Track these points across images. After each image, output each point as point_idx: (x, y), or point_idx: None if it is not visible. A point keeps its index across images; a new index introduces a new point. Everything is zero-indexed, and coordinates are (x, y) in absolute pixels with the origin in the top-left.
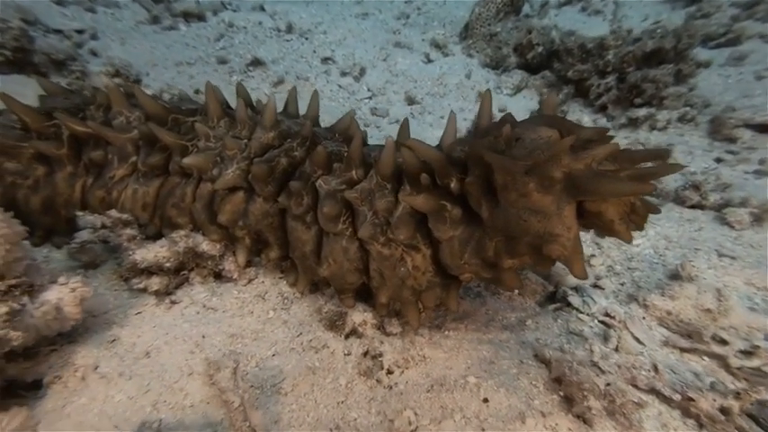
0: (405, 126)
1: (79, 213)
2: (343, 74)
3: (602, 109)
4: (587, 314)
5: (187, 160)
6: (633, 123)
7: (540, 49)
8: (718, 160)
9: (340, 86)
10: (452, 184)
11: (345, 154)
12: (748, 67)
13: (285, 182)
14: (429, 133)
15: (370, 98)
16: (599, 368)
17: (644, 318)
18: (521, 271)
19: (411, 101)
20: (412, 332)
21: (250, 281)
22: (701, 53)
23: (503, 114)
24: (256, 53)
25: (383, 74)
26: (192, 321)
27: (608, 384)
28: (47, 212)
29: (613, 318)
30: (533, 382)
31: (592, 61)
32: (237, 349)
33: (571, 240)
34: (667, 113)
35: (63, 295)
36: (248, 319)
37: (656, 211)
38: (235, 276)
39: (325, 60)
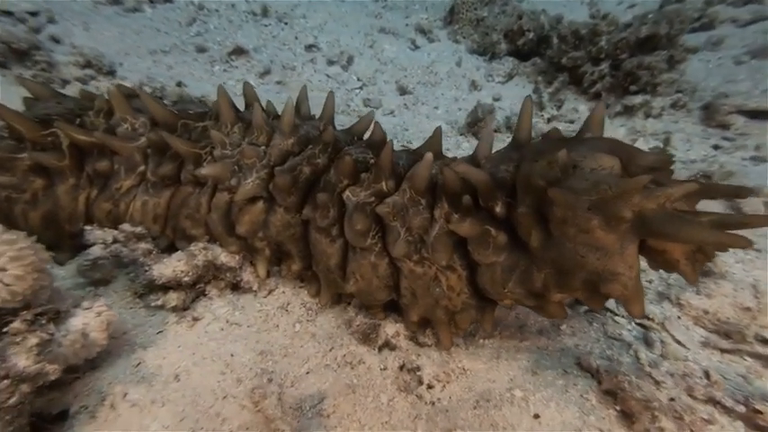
0: (437, 136)
1: (87, 228)
2: (330, 62)
3: (597, 96)
4: (622, 316)
5: (205, 171)
6: (629, 111)
7: (530, 35)
8: (716, 147)
9: (328, 76)
10: (497, 209)
11: (371, 161)
12: (726, 51)
13: (308, 191)
14: (426, 125)
15: (361, 88)
16: (653, 378)
17: (679, 317)
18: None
19: (403, 90)
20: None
21: (270, 291)
22: (687, 39)
23: (549, 130)
24: (236, 40)
25: (371, 62)
26: (217, 339)
27: (672, 399)
28: (48, 228)
29: (651, 319)
30: (584, 395)
31: (585, 48)
32: (269, 367)
33: (632, 280)
34: (662, 100)
35: (88, 320)
36: (274, 333)
37: (747, 245)
38: (254, 288)
39: (310, 48)
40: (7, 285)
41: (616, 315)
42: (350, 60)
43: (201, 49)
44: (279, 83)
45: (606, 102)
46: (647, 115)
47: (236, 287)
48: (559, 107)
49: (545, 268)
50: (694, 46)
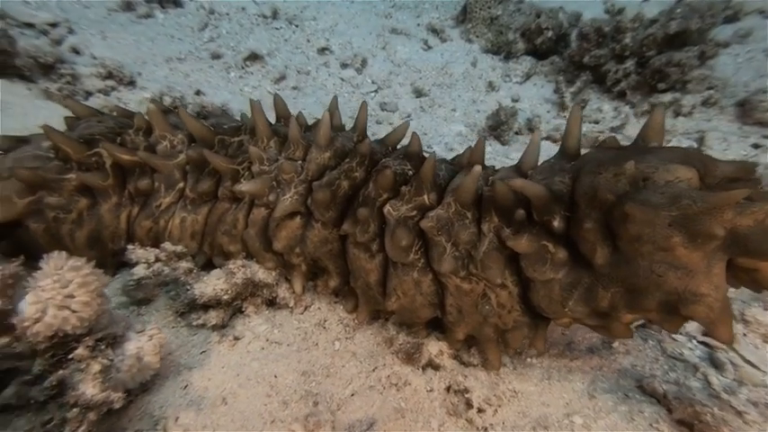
0: (480, 146)
1: (129, 247)
2: (344, 65)
3: (621, 95)
4: (681, 333)
5: (245, 187)
6: None
7: (549, 33)
8: (756, 146)
9: (343, 79)
10: (555, 223)
11: (410, 173)
12: (755, 44)
13: (346, 206)
14: (444, 128)
15: (376, 91)
16: (733, 408)
17: (744, 335)
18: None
19: (419, 93)
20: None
21: (306, 308)
22: (716, 33)
23: (606, 137)
24: (249, 45)
25: (385, 64)
26: (259, 359)
27: None
28: (93, 247)
29: None
30: (653, 425)
31: (608, 45)
32: (312, 389)
33: (719, 301)
34: (692, 98)
35: (142, 344)
36: (315, 352)
37: None
38: (290, 304)
39: (322, 51)
40: (75, 312)
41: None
42: (364, 63)
43: (216, 56)
44: (295, 88)
45: (631, 100)
46: (677, 114)
47: (271, 303)
48: (583, 107)
49: (612, 287)
50: (725, 40)
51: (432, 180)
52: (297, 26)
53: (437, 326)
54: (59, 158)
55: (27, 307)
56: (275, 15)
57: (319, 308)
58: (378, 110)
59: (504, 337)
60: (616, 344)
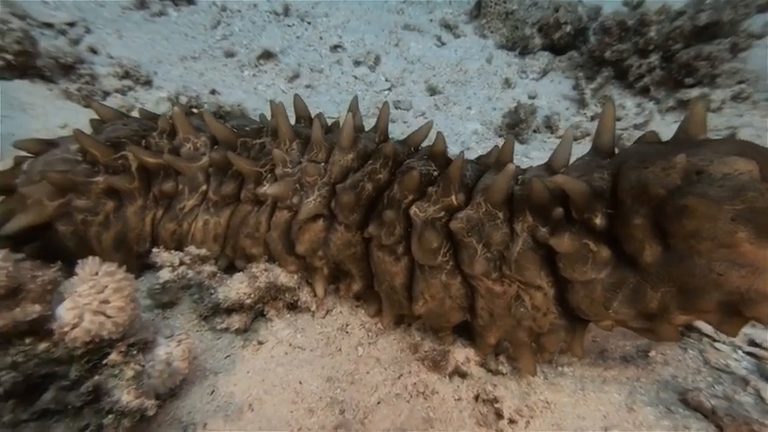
0: (509, 145)
1: (154, 250)
2: (357, 63)
3: (644, 91)
4: (724, 342)
5: (269, 191)
6: (683, 106)
7: (568, 27)
8: None
9: (356, 77)
10: (597, 220)
11: (435, 173)
12: None
13: (369, 208)
14: (459, 126)
15: (390, 89)
16: None
17: None
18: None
19: (433, 91)
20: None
21: (328, 312)
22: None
23: (646, 132)
24: (261, 42)
25: (398, 61)
26: (283, 364)
27: None
28: (119, 249)
29: (765, 348)
30: None
31: (630, 39)
32: (338, 396)
33: None
34: (721, 93)
35: (171, 349)
36: (338, 358)
37: None
38: (312, 308)
39: (335, 48)
40: (110, 317)
41: (715, 341)
42: (377, 60)
43: (230, 54)
44: (308, 87)
45: (655, 96)
46: (706, 109)
47: (293, 307)
48: (604, 104)
49: (663, 287)
50: (759, 31)
51: (459, 180)
52: (309, 23)
53: (463, 332)
54: (87, 161)
55: (65, 312)
56: (287, 12)
57: (341, 312)
58: (391, 108)
59: (539, 341)
60: (653, 353)
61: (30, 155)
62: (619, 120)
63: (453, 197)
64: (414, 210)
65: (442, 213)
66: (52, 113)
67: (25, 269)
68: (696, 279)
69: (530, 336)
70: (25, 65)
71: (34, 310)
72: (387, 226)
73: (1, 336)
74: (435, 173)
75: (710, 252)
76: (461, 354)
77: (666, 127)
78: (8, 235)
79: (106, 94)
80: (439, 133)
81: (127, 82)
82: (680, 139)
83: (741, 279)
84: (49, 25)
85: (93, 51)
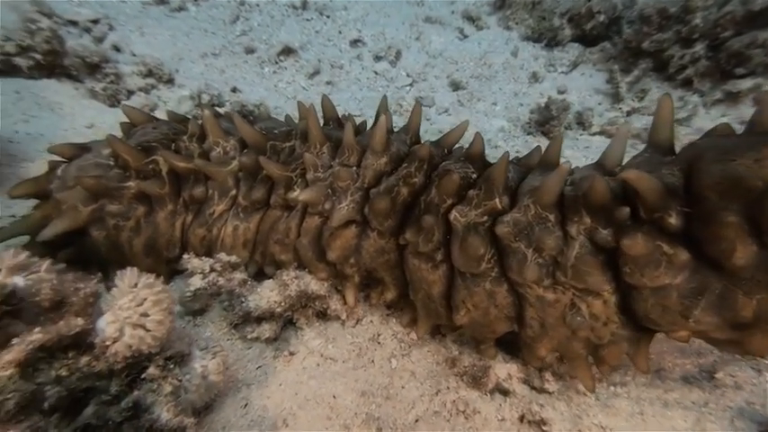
0: (557, 145)
1: (185, 256)
2: (378, 58)
3: (687, 83)
4: None
5: (301, 196)
6: (732, 98)
7: (601, 17)
8: None
9: (376, 73)
10: (672, 220)
11: (473, 176)
12: None
13: (404, 214)
14: (485, 123)
15: (411, 85)
16: None
17: None
18: None
19: (456, 86)
20: (574, 390)
21: (358, 321)
22: None
23: (718, 125)
24: (282, 38)
25: (420, 56)
26: (316, 377)
27: None
28: (149, 254)
29: None
30: None
31: (672, 28)
32: (373, 412)
33: None
34: None
35: (206, 362)
36: (371, 370)
37: None
38: (342, 316)
39: (355, 43)
40: (150, 331)
41: None
42: (398, 55)
43: (250, 50)
44: (329, 83)
45: (699, 88)
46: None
47: (322, 315)
48: (642, 98)
49: (759, 292)
50: None
51: (503, 182)
52: (327, 17)
53: (504, 345)
54: (119, 166)
55: (106, 326)
56: (305, 6)
57: (372, 321)
58: (413, 105)
59: (598, 353)
60: (720, 374)
61: (63, 159)
62: None
63: (497, 200)
64: (454, 214)
65: (485, 218)
66: (79, 113)
67: (68, 281)
68: None
69: (586, 347)
70: (53, 64)
71: (77, 323)
72: (425, 232)
73: (46, 350)
74: (474, 175)
75: None
76: (503, 369)
77: (712, 122)
78: (45, 241)
79: (130, 92)
80: (477, 134)
81: (150, 80)
82: (755, 132)
83: None
84: (73, 23)
85: (117, 49)
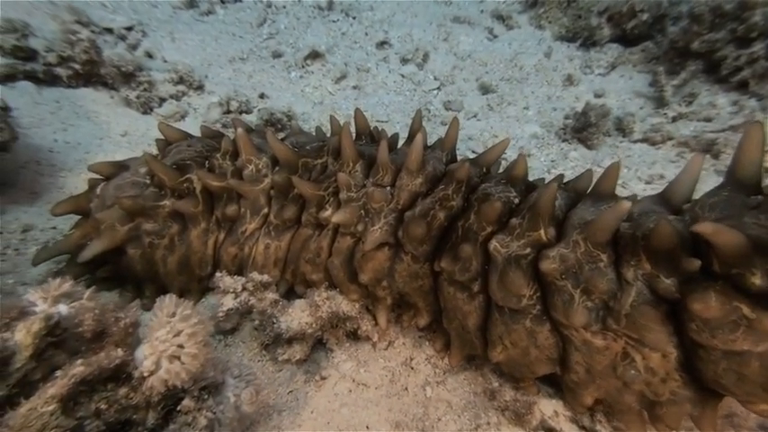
0: (614, 172)
1: (218, 274)
2: (404, 60)
3: (742, 86)
4: None
5: (334, 218)
6: None
7: (644, 16)
8: None
9: (403, 76)
10: (755, 279)
11: (515, 201)
12: None
13: (441, 238)
14: (516, 129)
15: (439, 89)
16: None
17: None
18: None
19: (486, 89)
20: None
21: (390, 343)
22: None
23: None
24: (308, 41)
25: (448, 57)
26: (348, 405)
27: None
28: (182, 272)
29: None
30: None
31: (726, 27)
32: None
33: None
34: None
35: (239, 392)
36: (405, 399)
37: None
38: (374, 338)
39: (381, 45)
40: (185, 365)
41: None
42: (425, 57)
43: (277, 55)
44: (355, 88)
45: (757, 92)
46: None
47: (353, 335)
48: (690, 102)
49: None
50: None
51: (550, 212)
52: (354, 18)
53: (548, 379)
54: (155, 185)
55: (144, 358)
56: (330, 6)
57: (404, 343)
58: (441, 109)
59: (654, 411)
60: None
61: (102, 177)
62: (709, 121)
63: (542, 231)
64: (494, 244)
65: (528, 250)
66: (114, 121)
67: (109, 311)
68: None
69: (640, 401)
70: (90, 73)
71: (118, 355)
72: (462, 261)
73: (87, 383)
74: (516, 200)
75: None
76: (548, 406)
77: None
78: (86, 261)
79: (162, 100)
80: (521, 155)
81: (181, 87)
82: None
83: None
84: (109, 30)
85: (150, 56)
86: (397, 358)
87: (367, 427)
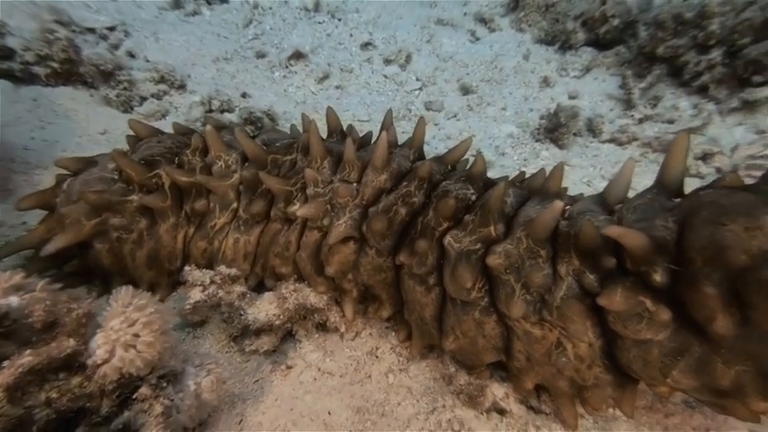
0: (559, 173)
1: (186, 268)
2: (387, 61)
3: (702, 90)
4: None
5: (300, 212)
6: (749, 107)
7: (615, 21)
8: None
9: (386, 77)
10: (656, 276)
11: (473, 198)
12: None
13: (402, 233)
14: (494, 129)
15: (421, 89)
16: None
17: None
18: None
19: (466, 90)
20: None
21: (357, 333)
22: None
23: (727, 174)
24: (293, 42)
25: (430, 59)
26: (312, 392)
27: None
28: (151, 267)
29: None
30: None
31: (688, 34)
32: (368, 430)
33: None
34: None
35: (200, 380)
36: (368, 386)
37: None
38: (341, 329)
39: (365, 46)
40: (140, 353)
41: None
42: (408, 59)
43: (261, 55)
44: (338, 87)
45: (716, 96)
46: None
47: (322, 327)
48: (655, 105)
49: (738, 364)
50: None
51: (499, 210)
52: (339, 20)
53: (501, 364)
54: (123, 180)
55: (98, 347)
56: (317, 8)
57: (371, 334)
58: (422, 110)
59: (582, 394)
60: None
61: (70, 173)
62: (672, 122)
63: (492, 228)
64: (448, 239)
65: (479, 245)
66: (93, 120)
67: (62, 302)
68: None
69: (571, 386)
70: (70, 72)
71: (69, 345)
72: (419, 256)
73: (36, 372)
74: (473, 197)
75: None
76: (500, 389)
77: (728, 130)
78: (49, 255)
79: (143, 99)
80: (479, 155)
81: (162, 86)
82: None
83: None
84: (91, 30)
85: (132, 56)
86: (363, 348)
87: (329, 413)
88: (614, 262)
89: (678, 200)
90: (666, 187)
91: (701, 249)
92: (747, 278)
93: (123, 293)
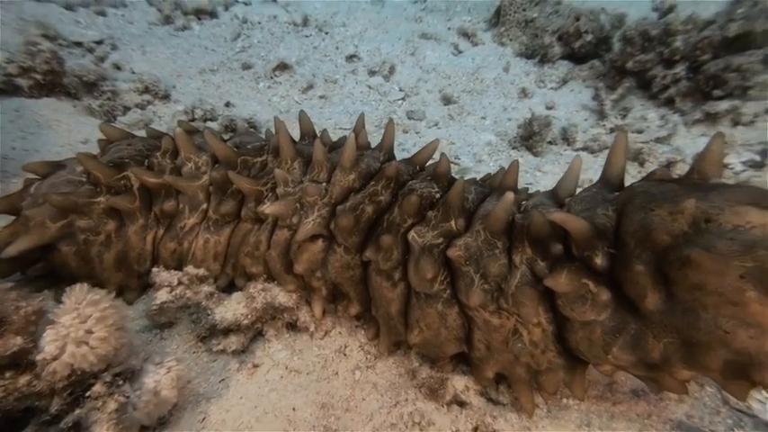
0: (514, 169)
1: (154, 269)
2: (372, 72)
3: (669, 103)
4: None
5: (269, 209)
6: (711, 118)
7: (589, 37)
8: None
9: (370, 87)
10: (598, 260)
11: (437, 195)
12: None
13: (369, 230)
14: (473, 137)
15: (404, 99)
16: None
17: None
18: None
19: (447, 100)
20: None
21: (327, 332)
22: None
23: (657, 169)
24: (279, 54)
25: (413, 70)
26: (277, 389)
27: None
28: (119, 268)
29: None
30: None
31: (655, 50)
32: (331, 424)
33: None
34: (754, 105)
35: (159, 377)
36: (335, 382)
37: None
38: (311, 328)
39: (351, 58)
40: (93, 348)
41: None
42: (392, 70)
43: (247, 66)
44: (322, 97)
45: (681, 108)
46: (736, 123)
47: (292, 326)
48: (624, 116)
49: (666, 337)
50: None
51: (460, 205)
52: (326, 33)
53: (464, 359)
54: (90, 182)
55: (47, 344)
56: (305, 22)
57: (340, 332)
58: (405, 118)
59: (538, 379)
60: None
61: (38, 177)
62: (640, 132)
63: (453, 222)
64: (412, 234)
65: (441, 239)
66: (76, 129)
67: (9, 300)
68: (701, 333)
69: (528, 372)
70: (53, 83)
71: (15, 342)
72: (384, 251)
73: None
74: (438, 195)
75: (717, 307)
76: (461, 382)
77: (692, 140)
78: (11, 257)
79: (126, 108)
80: (443, 155)
81: (146, 97)
82: (692, 179)
83: (750, 339)
84: (78, 44)
85: (118, 68)
86: (332, 346)
87: (293, 409)
88: (561, 248)
89: (617, 193)
90: (609, 182)
91: (633, 233)
92: (670, 256)
93: (77, 290)
